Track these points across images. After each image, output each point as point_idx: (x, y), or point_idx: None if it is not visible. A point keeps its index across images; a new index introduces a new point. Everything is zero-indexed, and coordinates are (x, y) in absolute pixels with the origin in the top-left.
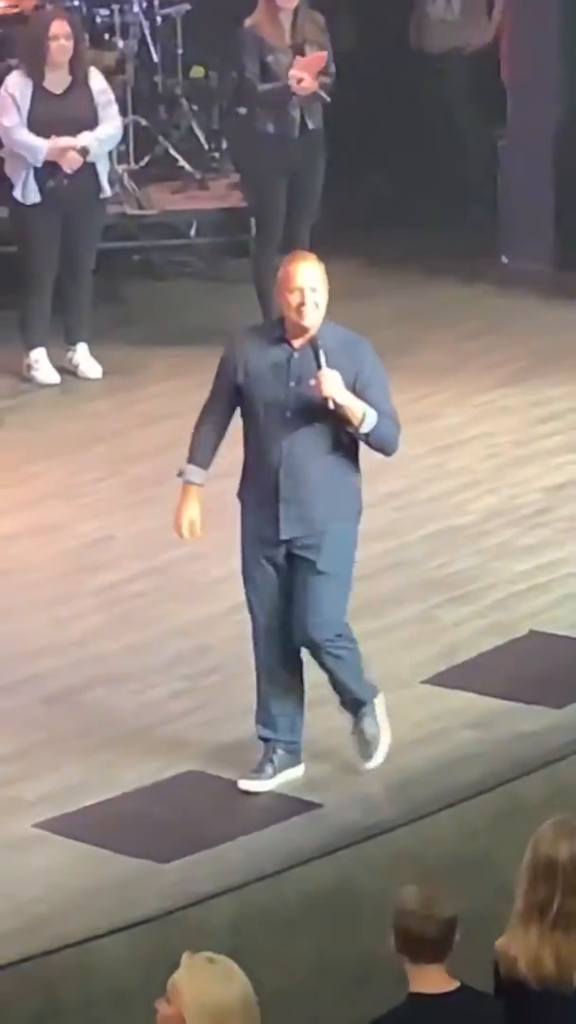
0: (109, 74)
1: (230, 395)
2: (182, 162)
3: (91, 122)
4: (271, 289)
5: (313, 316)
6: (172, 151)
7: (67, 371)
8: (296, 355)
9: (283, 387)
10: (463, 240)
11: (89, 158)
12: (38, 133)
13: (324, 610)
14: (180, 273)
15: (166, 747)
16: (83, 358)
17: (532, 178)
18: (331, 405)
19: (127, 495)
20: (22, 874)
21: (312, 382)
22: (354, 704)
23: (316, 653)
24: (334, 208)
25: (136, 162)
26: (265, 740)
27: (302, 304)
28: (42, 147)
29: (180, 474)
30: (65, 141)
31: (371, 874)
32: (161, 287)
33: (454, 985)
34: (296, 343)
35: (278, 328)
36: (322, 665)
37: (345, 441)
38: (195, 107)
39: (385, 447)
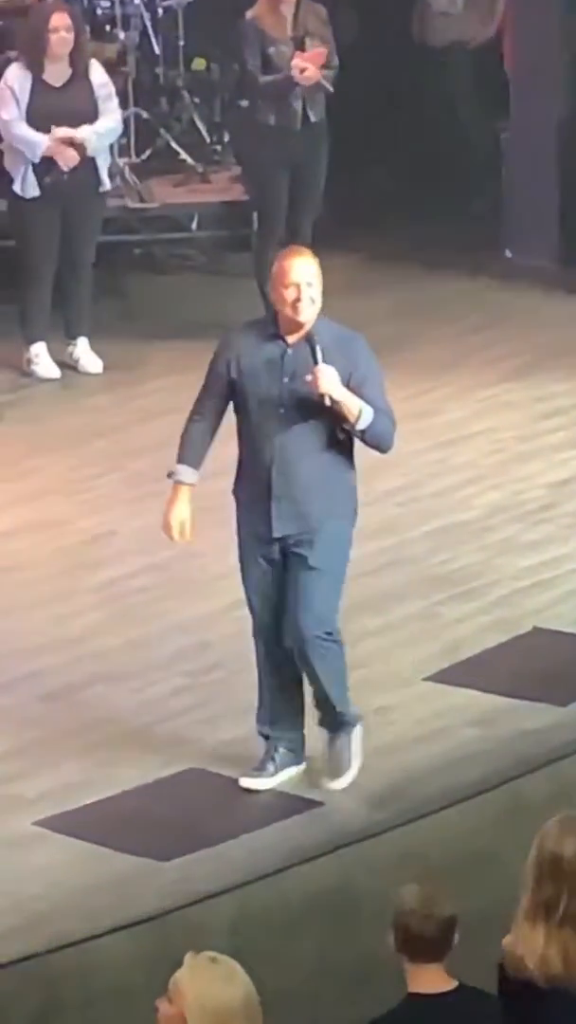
0: (110, 66)
1: (223, 392)
2: (184, 155)
3: (91, 115)
4: None
5: (308, 312)
6: (173, 144)
7: (67, 366)
8: (290, 351)
9: (277, 383)
10: (466, 234)
11: (88, 152)
12: (37, 126)
13: (315, 606)
14: (181, 267)
15: (167, 744)
16: (83, 352)
17: (536, 171)
18: (327, 402)
19: (128, 490)
20: (22, 872)
21: (308, 378)
22: (333, 723)
23: (303, 652)
24: (335, 202)
25: (137, 155)
26: (266, 738)
27: (297, 300)
28: (40, 143)
29: (170, 475)
30: (65, 131)
31: (373, 873)
32: (162, 281)
33: (452, 985)
34: (290, 339)
35: (272, 324)
36: (308, 668)
37: (339, 438)
38: (197, 100)
39: (381, 444)
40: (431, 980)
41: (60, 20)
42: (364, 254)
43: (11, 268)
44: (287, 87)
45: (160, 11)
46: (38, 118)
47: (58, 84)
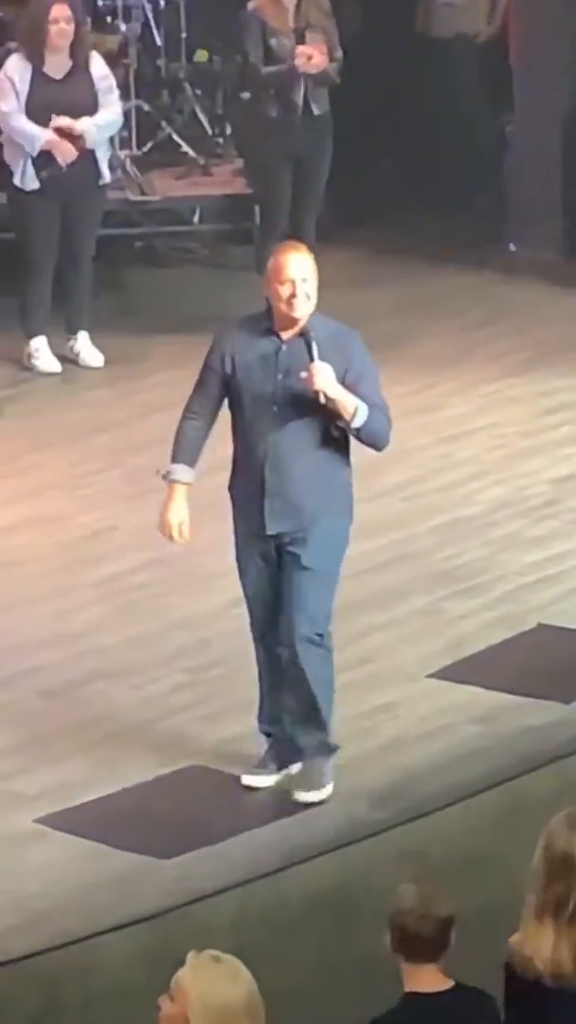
0: (111, 58)
1: (217, 388)
2: (185, 147)
3: (91, 108)
4: None
5: (303, 307)
6: (175, 136)
7: (68, 360)
8: (284, 347)
9: (271, 380)
10: (469, 227)
11: (88, 144)
12: (37, 119)
13: (308, 606)
14: (183, 260)
15: (167, 741)
16: (84, 346)
17: (540, 164)
18: (322, 399)
19: (128, 486)
20: (22, 870)
21: (304, 375)
22: (315, 746)
23: (294, 653)
24: (338, 195)
25: (139, 147)
26: (268, 735)
27: (293, 296)
28: (39, 136)
29: (165, 475)
30: (65, 121)
31: (374, 871)
32: (164, 274)
33: (449, 984)
34: (285, 335)
35: (266, 320)
36: (298, 671)
37: (334, 435)
38: (199, 92)
39: (376, 442)
40: (428, 980)
41: (60, 11)
42: (367, 248)
43: (11, 261)
44: (290, 78)
45: (162, 2)
46: (38, 110)
47: (58, 76)
